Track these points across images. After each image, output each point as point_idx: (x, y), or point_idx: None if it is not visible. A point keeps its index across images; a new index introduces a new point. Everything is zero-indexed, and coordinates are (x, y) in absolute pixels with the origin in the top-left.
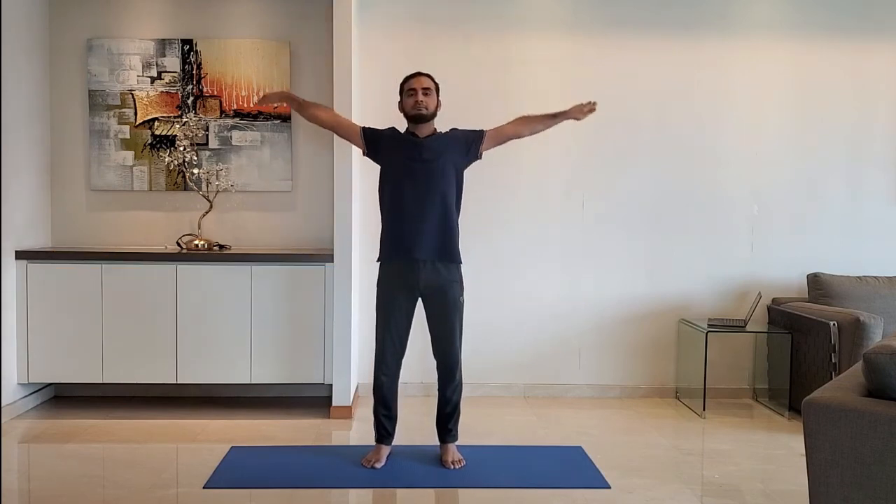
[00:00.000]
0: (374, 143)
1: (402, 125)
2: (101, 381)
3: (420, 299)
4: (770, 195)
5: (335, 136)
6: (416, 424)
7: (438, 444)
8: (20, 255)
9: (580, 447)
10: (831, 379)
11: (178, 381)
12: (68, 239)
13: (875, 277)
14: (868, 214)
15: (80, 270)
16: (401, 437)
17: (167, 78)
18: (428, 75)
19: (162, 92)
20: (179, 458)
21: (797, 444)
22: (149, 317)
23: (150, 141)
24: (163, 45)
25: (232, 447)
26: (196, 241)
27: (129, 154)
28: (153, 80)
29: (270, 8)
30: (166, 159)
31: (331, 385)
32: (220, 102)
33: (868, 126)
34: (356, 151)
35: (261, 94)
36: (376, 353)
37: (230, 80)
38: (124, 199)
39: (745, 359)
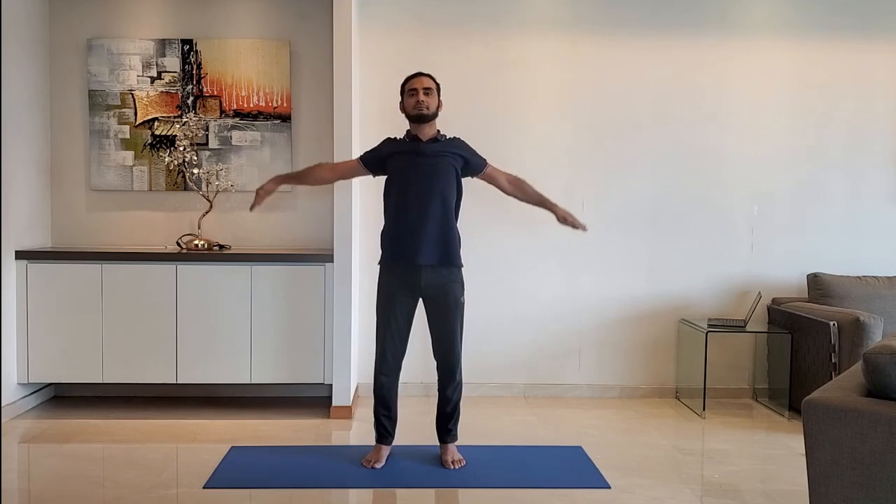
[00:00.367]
0: (377, 162)
1: (402, 125)
2: (100, 381)
3: (421, 299)
4: (770, 195)
5: (334, 135)
6: (416, 424)
7: (438, 444)
8: (20, 255)
9: (580, 447)
10: (831, 379)
11: (178, 381)
12: (68, 239)
13: (875, 277)
14: (868, 214)
15: (80, 270)
16: (401, 437)
17: (167, 78)
18: (429, 75)
19: (162, 92)
20: (179, 458)
21: (797, 444)
22: (149, 317)
23: (150, 141)
24: (163, 45)
25: (232, 447)
26: (196, 241)
27: (129, 154)
28: (153, 80)
29: (270, 8)
30: (166, 159)
31: (331, 385)
32: (220, 102)
33: (868, 126)
34: (356, 152)
35: (261, 94)
36: (377, 352)
37: (230, 80)
38: (124, 199)
39: (745, 359)
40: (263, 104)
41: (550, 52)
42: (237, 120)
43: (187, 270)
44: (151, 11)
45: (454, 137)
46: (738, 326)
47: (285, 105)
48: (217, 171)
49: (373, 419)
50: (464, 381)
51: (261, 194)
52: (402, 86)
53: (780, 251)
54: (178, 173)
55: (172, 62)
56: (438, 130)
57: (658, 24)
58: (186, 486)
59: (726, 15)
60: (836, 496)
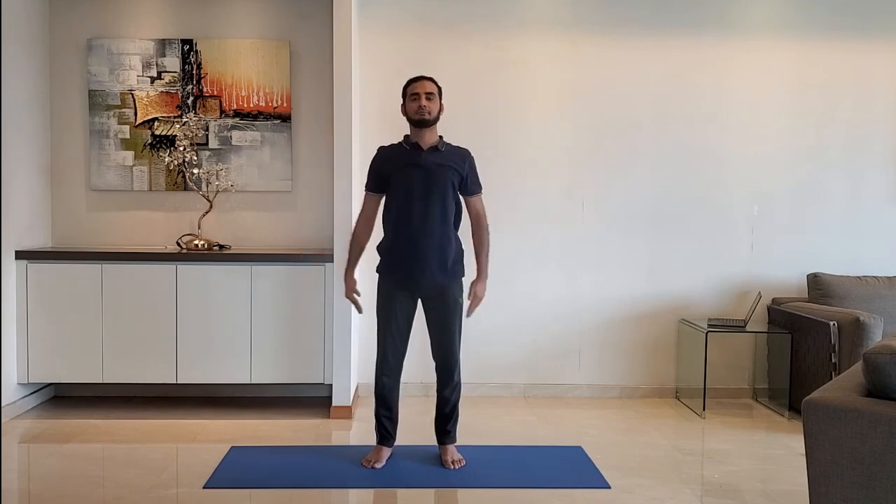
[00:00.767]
0: (383, 183)
1: (402, 126)
2: (100, 381)
3: (420, 301)
4: (770, 195)
5: (334, 135)
6: (416, 424)
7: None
8: (20, 255)
9: (580, 447)
10: (831, 379)
11: (178, 381)
12: (68, 239)
13: (875, 277)
14: (868, 214)
15: (80, 270)
16: (401, 437)
17: (167, 78)
18: (431, 79)
19: (162, 92)
20: (179, 458)
21: (797, 444)
22: (149, 317)
23: (150, 141)
24: (163, 45)
25: (232, 447)
26: (196, 241)
27: (129, 154)
28: (153, 80)
29: (270, 8)
30: (166, 159)
31: (331, 385)
32: (220, 102)
33: (868, 126)
34: (356, 152)
35: (261, 94)
36: (378, 353)
37: (230, 80)
38: (124, 199)
39: (745, 359)
40: (263, 104)
41: (550, 52)
42: (237, 120)
43: (187, 270)
44: (151, 11)
45: (460, 148)
46: (738, 326)
47: (285, 105)
48: (217, 171)
49: (374, 420)
50: (463, 381)
51: (353, 296)
52: (404, 89)
53: (780, 251)
54: (178, 173)
55: (172, 62)
56: (441, 137)
57: (658, 24)
58: (186, 486)
59: (726, 15)
60: (836, 496)
